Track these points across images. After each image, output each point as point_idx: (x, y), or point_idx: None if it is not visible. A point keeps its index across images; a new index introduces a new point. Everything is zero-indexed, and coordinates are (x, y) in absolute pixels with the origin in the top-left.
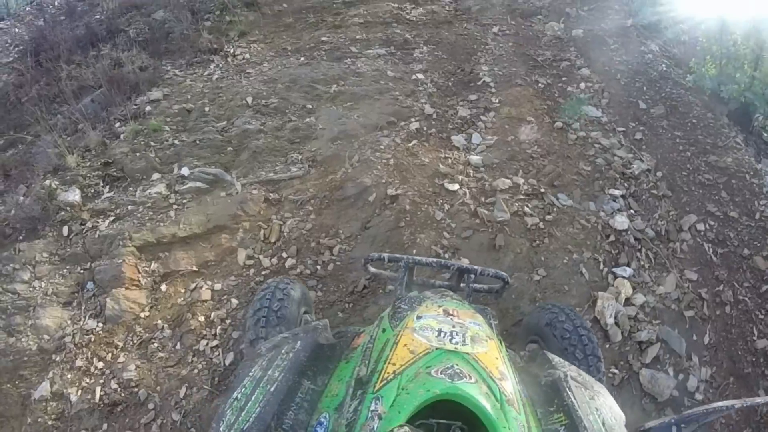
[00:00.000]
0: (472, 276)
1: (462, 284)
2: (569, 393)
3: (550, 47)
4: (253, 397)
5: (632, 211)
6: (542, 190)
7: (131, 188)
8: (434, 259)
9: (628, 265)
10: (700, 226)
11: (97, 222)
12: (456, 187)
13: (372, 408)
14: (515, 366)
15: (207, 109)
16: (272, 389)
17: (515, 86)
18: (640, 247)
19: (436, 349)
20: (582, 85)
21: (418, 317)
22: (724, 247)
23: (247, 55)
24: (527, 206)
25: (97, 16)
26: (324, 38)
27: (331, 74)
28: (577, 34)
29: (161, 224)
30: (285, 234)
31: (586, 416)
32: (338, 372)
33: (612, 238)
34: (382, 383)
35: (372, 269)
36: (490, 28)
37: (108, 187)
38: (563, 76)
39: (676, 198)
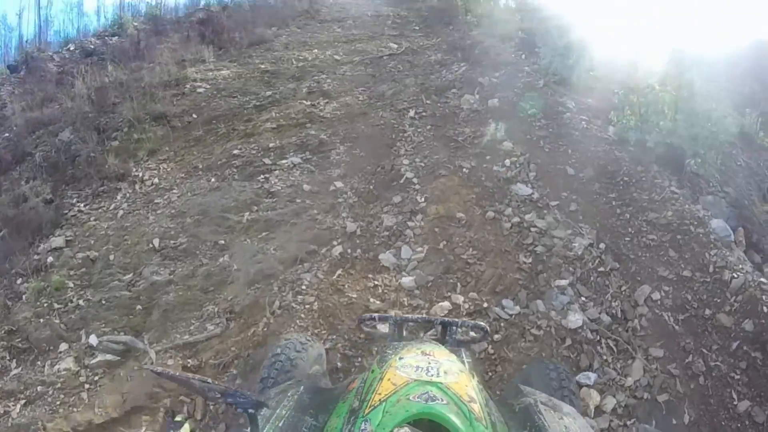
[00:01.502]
0: (455, 328)
1: (446, 337)
2: (540, 415)
3: (468, 122)
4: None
5: (583, 298)
6: (485, 304)
7: (39, 362)
8: (419, 316)
9: (591, 367)
10: (656, 296)
11: (9, 407)
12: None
13: (362, 428)
14: (488, 395)
15: (112, 257)
16: (281, 425)
17: (439, 177)
18: (598, 338)
19: (414, 380)
20: (507, 161)
21: (400, 358)
22: (684, 312)
23: (156, 180)
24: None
25: (6, 134)
26: (236, 150)
27: (243, 199)
28: (493, 104)
29: (75, 409)
30: (212, 408)
31: None
32: (336, 410)
33: (568, 341)
34: (370, 409)
35: (365, 329)
36: (406, 112)
37: (15, 361)
38: (486, 154)
39: (624, 269)
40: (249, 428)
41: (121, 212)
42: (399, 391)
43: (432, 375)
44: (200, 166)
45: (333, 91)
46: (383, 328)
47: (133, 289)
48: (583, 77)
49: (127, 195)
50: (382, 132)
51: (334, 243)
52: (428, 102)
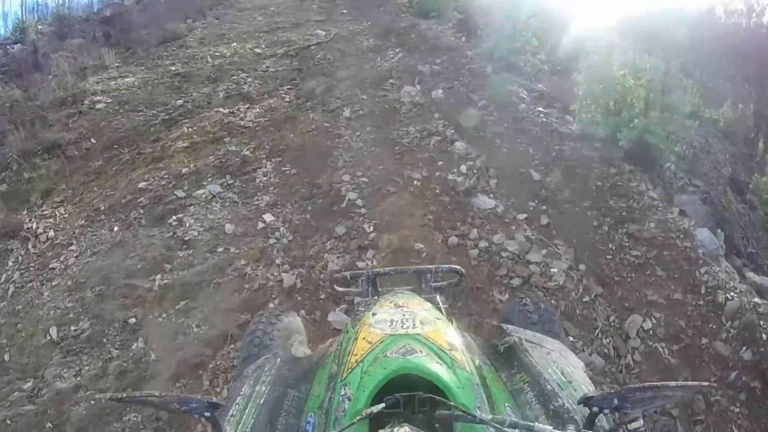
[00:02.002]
0: (429, 275)
1: (423, 285)
2: (526, 353)
3: (412, 120)
4: (246, 411)
5: (571, 338)
6: None
7: None
8: (391, 268)
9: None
10: (647, 325)
11: None
12: None
13: (342, 393)
14: (469, 338)
15: (7, 357)
16: (262, 402)
17: (387, 195)
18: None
19: (390, 335)
20: (462, 167)
21: (374, 314)
22: (678, 341)
23: (52, 232)
24: None
25: None
26: (142, 183)
27: (151, 255)
28: (437, 96)
29: None
30: None
31: (545, 370)
32: (317, 377)
33: None
34: (348, 372)
35: (339, 289)
36: (340, 112)
37: None
38: (438, 159)
39: (609, 294)
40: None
41: (12, 288)
42: (375, 349)
43: (408, 327)
44: (102, 208)
45: (255, 92)
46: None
47: (38, 401)
48: (532, 62)
49: (20, 258)
50: (315, 139)
51: (271, 306)
52: (364, 97)
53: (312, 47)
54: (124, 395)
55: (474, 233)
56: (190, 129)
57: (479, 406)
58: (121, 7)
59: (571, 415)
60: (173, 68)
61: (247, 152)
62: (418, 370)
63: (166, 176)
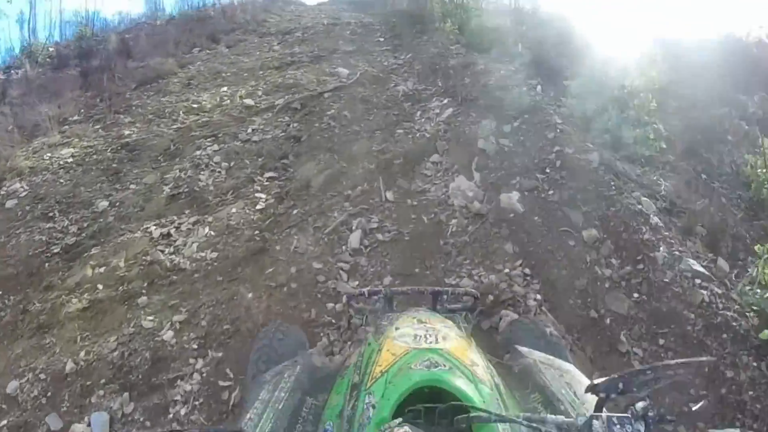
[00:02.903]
0: (445, 297)
1: (438, 306)
2: (541, 374)
3: (465, 252)
4: (264, 416)
5: None
6: None
7: None
8: (409, 287)
9: None
10: None
11: None
12: None
13: (366, 401)
14: (486, 358)
15: None
16: (280, 407)
17: None
18: None
19: (414, 349)
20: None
21: (397, 328)
22: None
23: None
24: None
25: None
26: (12, 385)
27: None
28: (510, 204)
29: None
30: None
31: (558, 391)
32: (336, 387)
33: None
34: (372, 381)
35: (355, 305)
36: (345, 233)
37: None
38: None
39: None
40: None
41: None
42: (399, 360)
43: (431, 342)
44: None
45: (215, 188)
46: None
47: None
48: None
49: None
50: (292, 304)
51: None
52: (389, 198)
53: (326, 95)
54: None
55: None
56: (96, 270)
57: None
58: (139, 27)
59: None
60: (127, 133)
61: (168, 335)
62: (443, 383)
63: (44, 373)
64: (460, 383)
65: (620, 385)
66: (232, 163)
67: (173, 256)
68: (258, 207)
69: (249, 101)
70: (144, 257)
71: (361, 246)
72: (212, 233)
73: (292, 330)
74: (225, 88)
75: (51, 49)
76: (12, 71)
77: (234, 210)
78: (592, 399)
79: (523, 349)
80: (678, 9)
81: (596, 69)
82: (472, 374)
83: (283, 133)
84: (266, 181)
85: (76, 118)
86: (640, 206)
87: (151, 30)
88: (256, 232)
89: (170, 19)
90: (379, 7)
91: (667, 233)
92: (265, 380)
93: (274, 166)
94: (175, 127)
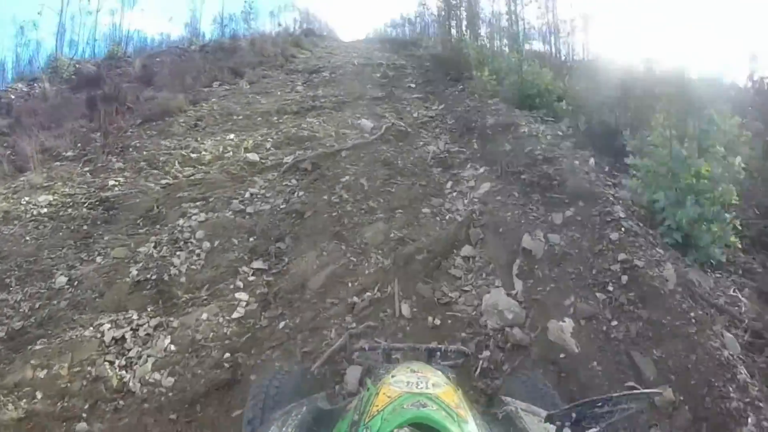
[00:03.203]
0: (438, 353)
1: (432, 362)
2: (521, 420)
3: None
4: None
5: None
6: None
7: None
8: (406, 344)
9: None
10: None
11: None
12: None
13: None
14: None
15: None
16: None
17: None
18: None
19: (407, 392)
20: None
21: (393, 376)
22: None
23: None
24: None
25: None
26: None
27: None
28: (561, 337)
29: None
30: None
31: None
32: (337, 427)
33: None
34: (369, 418)
35: (358, 360)
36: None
37: None
38: None
39: None
40: None
41: None
42: (394, 402)
43: (422, 388)
44: None
45: (187, 281)
46: (374, 357)
47: None
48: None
49: None
50: None
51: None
52: (405, 317)
53: (342, 153)
54: None
55: None
56: (37, 372)
57: None
58: (172, 51)
59: None
60: (111, 183)
61: None
62: (430, 420)
63: None
64: (447, 422)
65: (573, 415)
66: (216, 243)
67: (123, 372)
68: (235, 315)
69: (253, 156)
70: (90, 368)
71: (360, 387)
72: (173, 348)
73: (292, 373)
74: (232, 135)
75: (78, 66)
76: (37, 85)
77: (205, 316)
78: None
79: (507, 399)
80: None
81: (665, 142)
82: (457, 415)
83: (284, 204)
84: (252, 274)
85: (69, 153)
86: (726, 352)
87: (180, 56)
88: (227, 354)
89: (203, 45)
90: (413, 49)
91: (756, 391)
92: (275, 418)
93: (266, 251)
94: (164, 182)
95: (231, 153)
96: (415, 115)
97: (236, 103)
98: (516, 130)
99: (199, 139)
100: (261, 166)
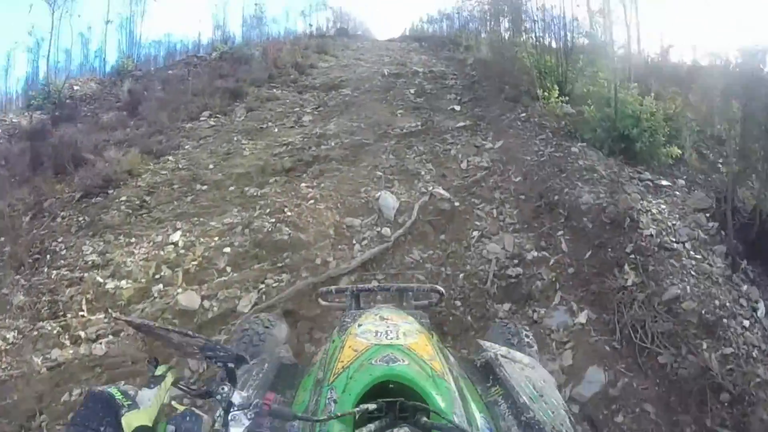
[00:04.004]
0: (410, 293)
1: (404, 303)
2: (501, 368)
3: None
4: None
5: None
6: None
7: None
8: (375, 285)
9: None
10: None
11: None
12: None
13: (328, 396)
14: (449, 352)
15: None
16: None
17: None
18: None
19: (375, 345)
20: None
21: (359, 325)
22: None
23: None
24: None
25: None
26: None
27: None
28: None
29: None
30: None
31: (518, 384)
32: (302, 383)
33: None
34: (335, 377)
35: (323, 303)
36: None
37: None
38: None
39: None
40: (228, 383)
41: None
42: (361, 356)
43: (392, 338)
44: None
45: None
46: (341, 300)
47: None
48: None
49: None
50: None
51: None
52: None
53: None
54: (144, 322)
55: None
56: None
57: (456, 412)
58: (186, 61)
59: (541, 426)
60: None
61: None
62: (401, 377)
63: None
64: (419, 377)
65: None
66: None
67: None
68: None
69: (190, 300)
70: None
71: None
72: None
73: (277, 322)
74: (177, 235)
75: (76, 87)
76: (30, 114)
77: None
78: (550, 391)
79: (485, 343)
80: None
81: None
82: (431, 368)
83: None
84: None
85: None
86: None
87: (189, 69)
88: None
89: (223, 53)
90: (453, 49)
91: None
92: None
93: None
94: (54, 358)
95: (164, 279)
96: (464, 165)
97: (211, 155)
98: (632, 228)
99: (132, 241)
100: (200, 319)
